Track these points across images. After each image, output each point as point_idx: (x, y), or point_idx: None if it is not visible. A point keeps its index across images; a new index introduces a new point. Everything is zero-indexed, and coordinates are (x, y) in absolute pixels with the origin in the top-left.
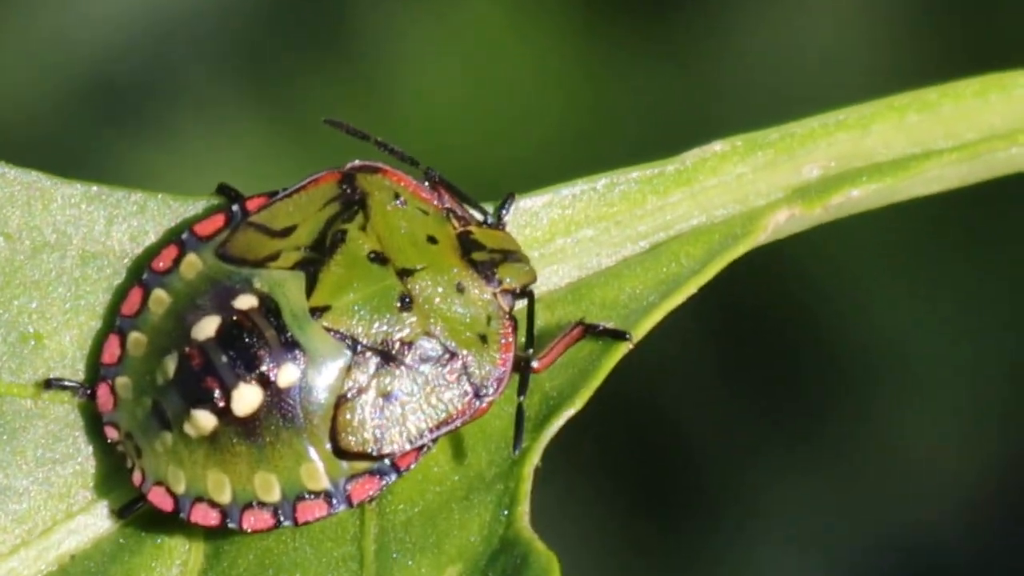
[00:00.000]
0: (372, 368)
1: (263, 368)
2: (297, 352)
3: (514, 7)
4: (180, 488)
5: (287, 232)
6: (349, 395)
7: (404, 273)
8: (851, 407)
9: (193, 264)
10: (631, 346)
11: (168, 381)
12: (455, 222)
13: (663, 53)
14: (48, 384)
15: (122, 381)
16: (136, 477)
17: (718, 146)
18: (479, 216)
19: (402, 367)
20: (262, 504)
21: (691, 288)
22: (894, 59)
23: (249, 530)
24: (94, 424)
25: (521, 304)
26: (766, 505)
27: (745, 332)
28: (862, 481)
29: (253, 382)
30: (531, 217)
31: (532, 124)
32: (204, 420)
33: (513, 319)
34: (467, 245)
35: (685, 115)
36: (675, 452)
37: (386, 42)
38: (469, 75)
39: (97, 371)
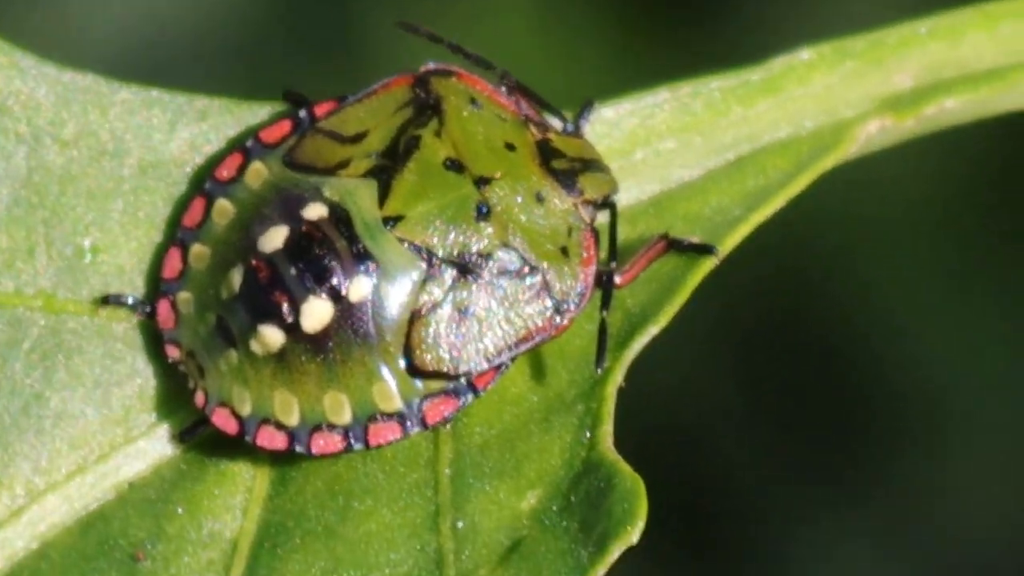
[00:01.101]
0: (448, 281)
1: (334, 281)
2: (369, 264)
3: (540, 18)
4: (245, 409)
5: (358, 138)
6: (424, 310)
7: (481, 181)
8: (904, 447)
9: (259, 172)
10: (717, 261)
11: (233, 296)
12: (533, 129)
13: (702, 59)
14: (106, 301)
15: (184, 296)
16: (199, 398)
17: (805, 54)
18: (558, 124)
19: (479, 281)
20: (332, 426)
21: (779, 201)
22: None
23: (318, 454)
24: (154, 343)
25: (602, 216)
26: (811, 543)
27: (786, 370)
28: (916, 522)
29: (323, 296)
30: (610, 127)
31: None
32: (271, 336)
33: (595, 231)
34: (547, 153)
35: None
36: (715, 491)
37: (407, 58)
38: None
39: (157, 286)
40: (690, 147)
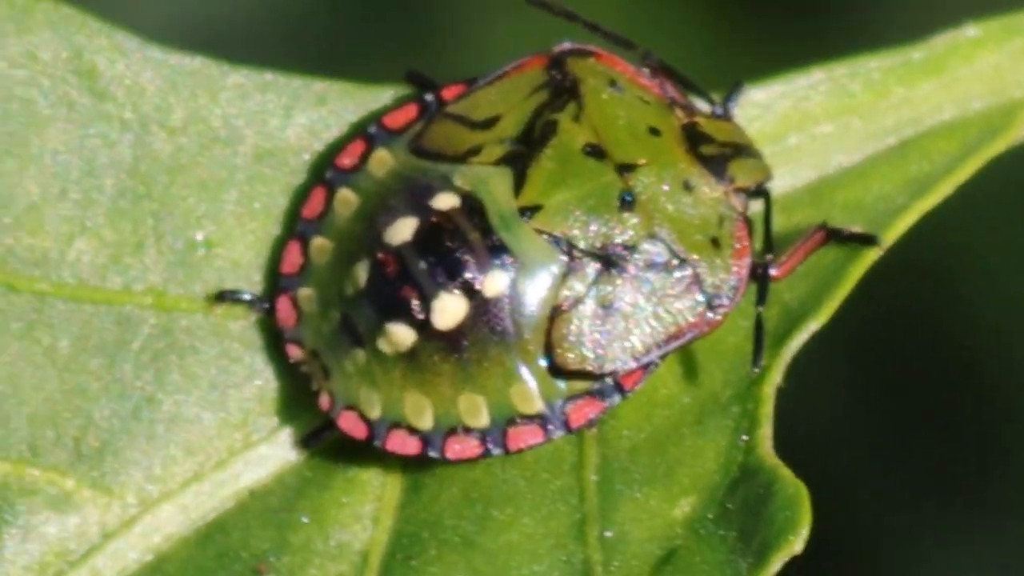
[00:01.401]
0: (591, 275)
1: (467, 275)
2: (505, 257)
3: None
4: (374, 412)
5: (490, 123)
6: (565, 306)
7: (624, 168)
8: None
9: (383, 160)
10: (881, 252)
11: (359, 291)
12: (679, 112)
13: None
14: (221, 297)
15: (305, 293)
16: (324, 401)
17: (971, 31)
18: (705, 107)
19: (624, 274)
20: (468, 430)
21: (946, 188)
22: None
23: (454, 459)
24: (274, 342)
25: (756, 205)
26: (936, 569)
27: (897, 375)
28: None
29: (456, 291)
30: (762, 110)
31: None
32: (401, 334)
33: (748, 221)
34: (694, 138)
35: None
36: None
37: (477, 44)
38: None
39: (276, 282)
40: (848, 131)
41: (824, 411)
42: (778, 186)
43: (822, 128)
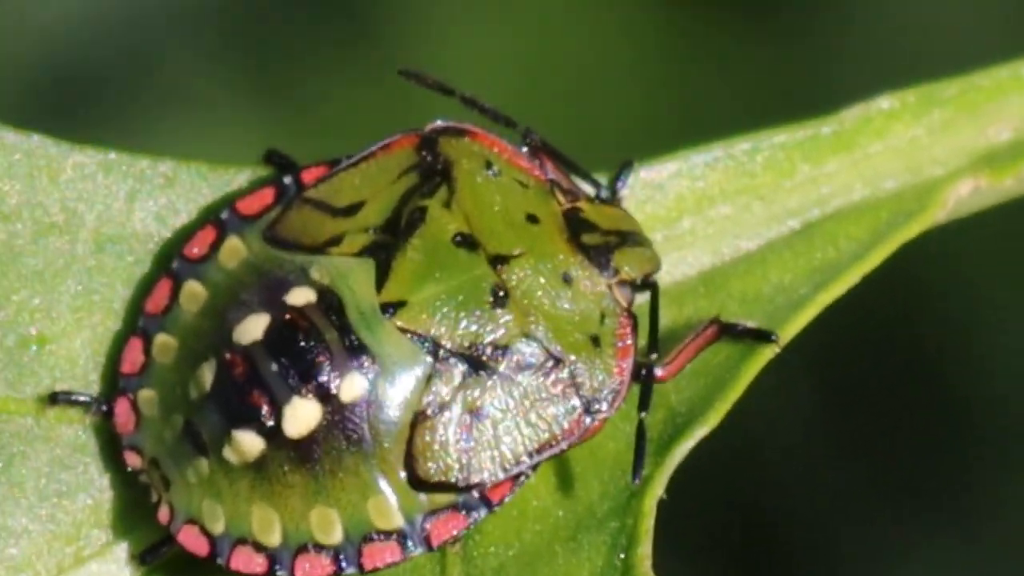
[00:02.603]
0: (458, 378)
1: (322, 378)
2: (364, 358)
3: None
4: (218, 527)
5: (353, 210)
6: (429, 411)
7: (498, 260)
8: (991, 464)
9: (235, 249)
10: (777, 350)
11: (204, 395)
12: (561, 197)
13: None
14: (54, 399)
15: (146, 395)
16: (163, 514)
17: (885, 103)
18: (590, 190)
19: (495, 377)
20: (320, 547)
21: (852, 277)
22: None
23: None
24: (111, 448)
25: (642, 298)
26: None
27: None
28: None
29: (310, 396)
30: (654, 191)
31: (596, 105)
32: (249, 443)
33: (633, 316)
34: (576, 225)
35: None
36: (779, 512)
37: (419, 22)
38: (522, 53)
39: (115, 383)
40: (748, 213)
41: (792, 426)
42: (669, 274)
43: (719, 210)
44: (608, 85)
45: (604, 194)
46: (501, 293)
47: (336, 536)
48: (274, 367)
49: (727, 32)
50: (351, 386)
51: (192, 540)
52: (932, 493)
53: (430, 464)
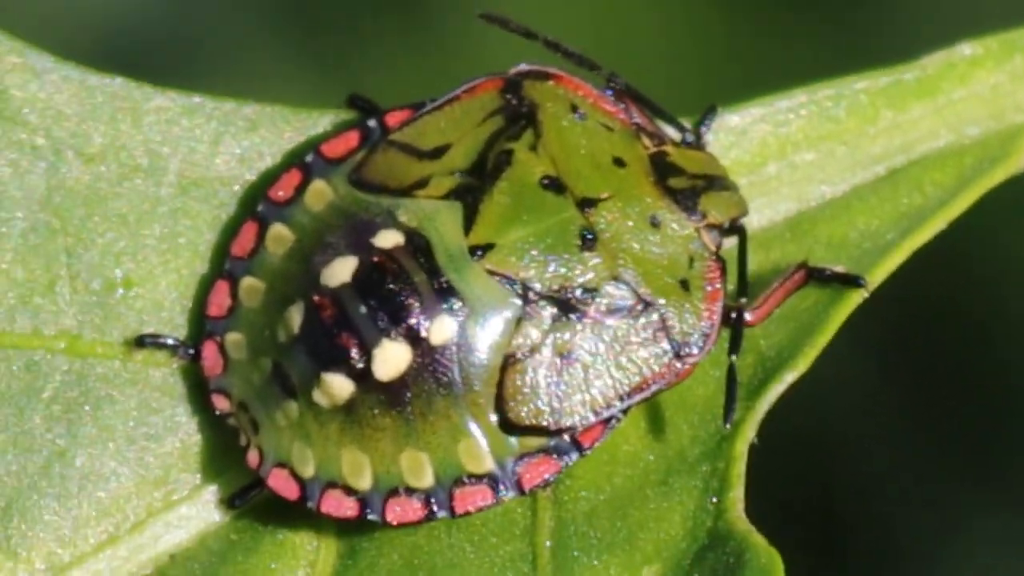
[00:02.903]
0: (547, 321)
1: (412, 321)
2: (454, 301)
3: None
4: (308, 471)
5: (438, 153)
6: (519, 354)
7: (586, 203)
8: None
9: (321, 192)
10: (866, 294)
11: (292, 338)
12: (647, 140)
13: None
14: (141, 342)
15: (234, 338)
16: (252, 457)
17: (967, 49)
18: (675, 134)
19: (584, 320)
20: (411, 490)
21: (939, 223)
22: None
23: (395, 522)
24: (199, 392)
25: (730, 242)
26: (960, 551)
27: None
28: None
29: (399, 338)
30: (738, 136)
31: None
32: (339, 385)
33: (721, 260)
34: (663, 169)
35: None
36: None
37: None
38: (577, 18)
39: (202, 326)
40: (832, 159)
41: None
42: (755, 220)
43: (804, 156)
44: (669, 50)
45: (689, 138)
46: (589, 236)
47: (427, 480)
48: (363, 309)
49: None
50: (441, 328)
51: (282, 483)
52: (993, 468)
53: (521, 407)
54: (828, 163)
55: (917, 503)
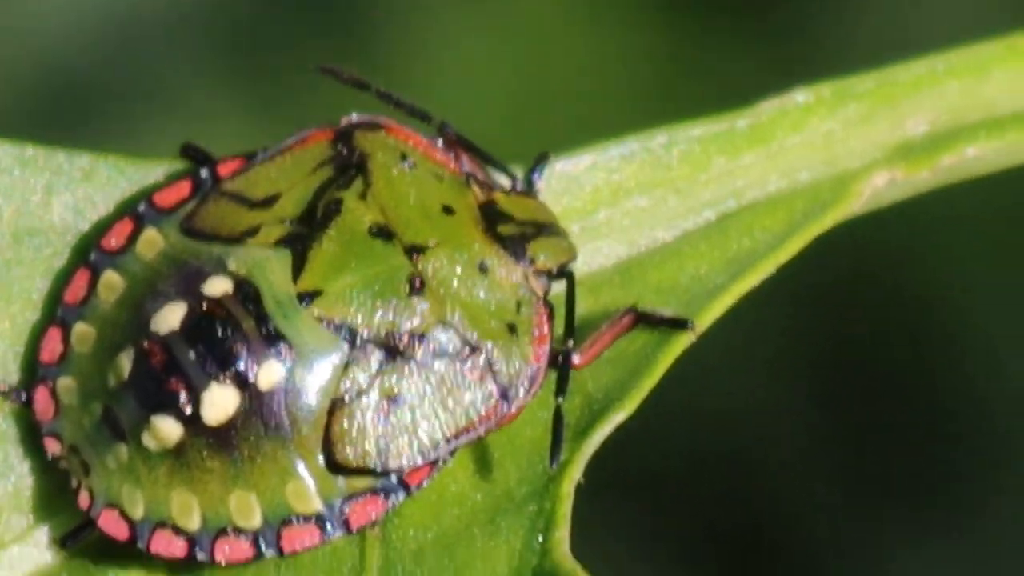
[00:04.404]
0: (374, 365)
1: (240, 366)
2: (282, 346)
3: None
4: (137, 512)
5: (269, 202)
6: (346, 398)
7: (414, 250)
8: (981, 461)
9: (153, 241)
10: (693, 338)
11: (122, 383)
12: (476, 189)
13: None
14: None
15: (65, 383)
16: (83, 499)
17: (800, 96)
18: (506, 181)
19: (411, 364)
20: (239, 531)
21: (767, 267)
22: None
23: (223, 562)
24: (31, 436)
25: (559, 287)
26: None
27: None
28: (1014, 557)
29: (228, 383)
30: (570, 183)
31: (589, 107)
32: (167, 429)
33: (549, 305)
34: (492, 216)
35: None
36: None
37: (407, 30)
38: (515, 54)
39: (34, 371)
40: (664, 205)
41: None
42: (586, 264)
43: (636, 202)
44: (603, 88)
45: (520, 186)
46: (417, 282)
47: (255, 520)
48: (192, 355)
49: (719, 36)
50: (268, 373)
51: (112, 524)
52: (924, 490)
53: (348, 449)
54: (659, 209)
55: (846, 529)
